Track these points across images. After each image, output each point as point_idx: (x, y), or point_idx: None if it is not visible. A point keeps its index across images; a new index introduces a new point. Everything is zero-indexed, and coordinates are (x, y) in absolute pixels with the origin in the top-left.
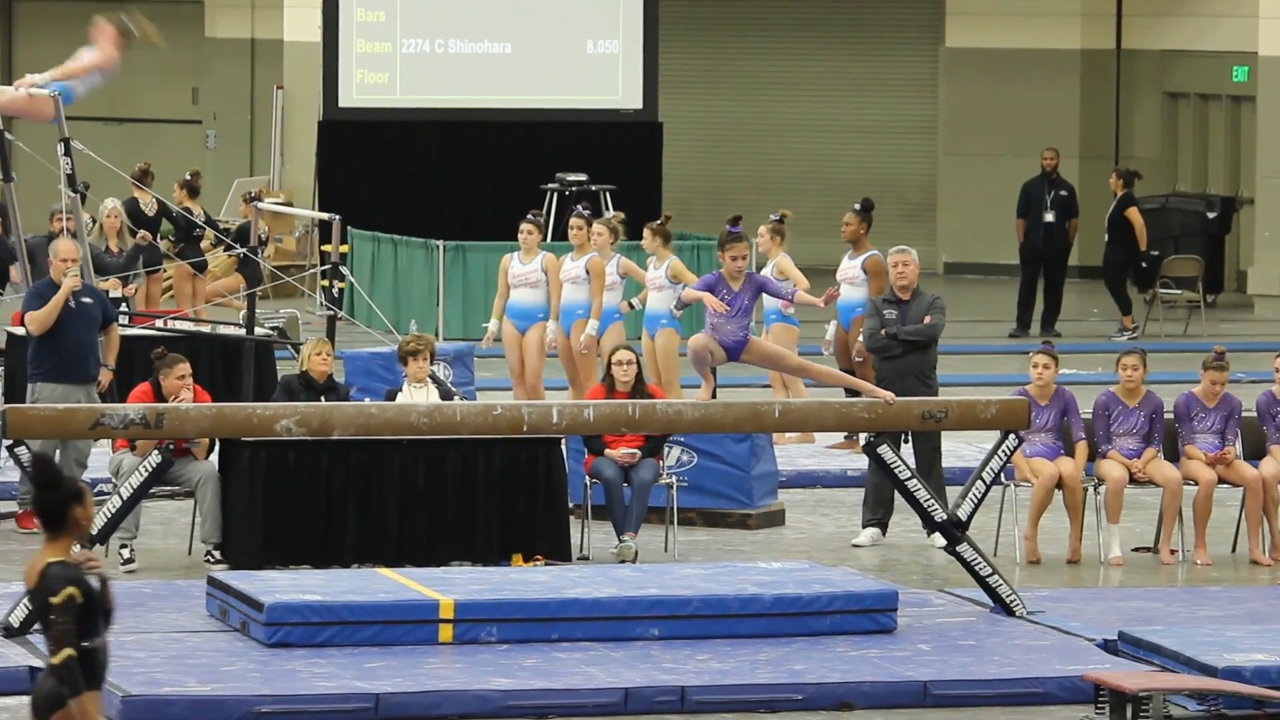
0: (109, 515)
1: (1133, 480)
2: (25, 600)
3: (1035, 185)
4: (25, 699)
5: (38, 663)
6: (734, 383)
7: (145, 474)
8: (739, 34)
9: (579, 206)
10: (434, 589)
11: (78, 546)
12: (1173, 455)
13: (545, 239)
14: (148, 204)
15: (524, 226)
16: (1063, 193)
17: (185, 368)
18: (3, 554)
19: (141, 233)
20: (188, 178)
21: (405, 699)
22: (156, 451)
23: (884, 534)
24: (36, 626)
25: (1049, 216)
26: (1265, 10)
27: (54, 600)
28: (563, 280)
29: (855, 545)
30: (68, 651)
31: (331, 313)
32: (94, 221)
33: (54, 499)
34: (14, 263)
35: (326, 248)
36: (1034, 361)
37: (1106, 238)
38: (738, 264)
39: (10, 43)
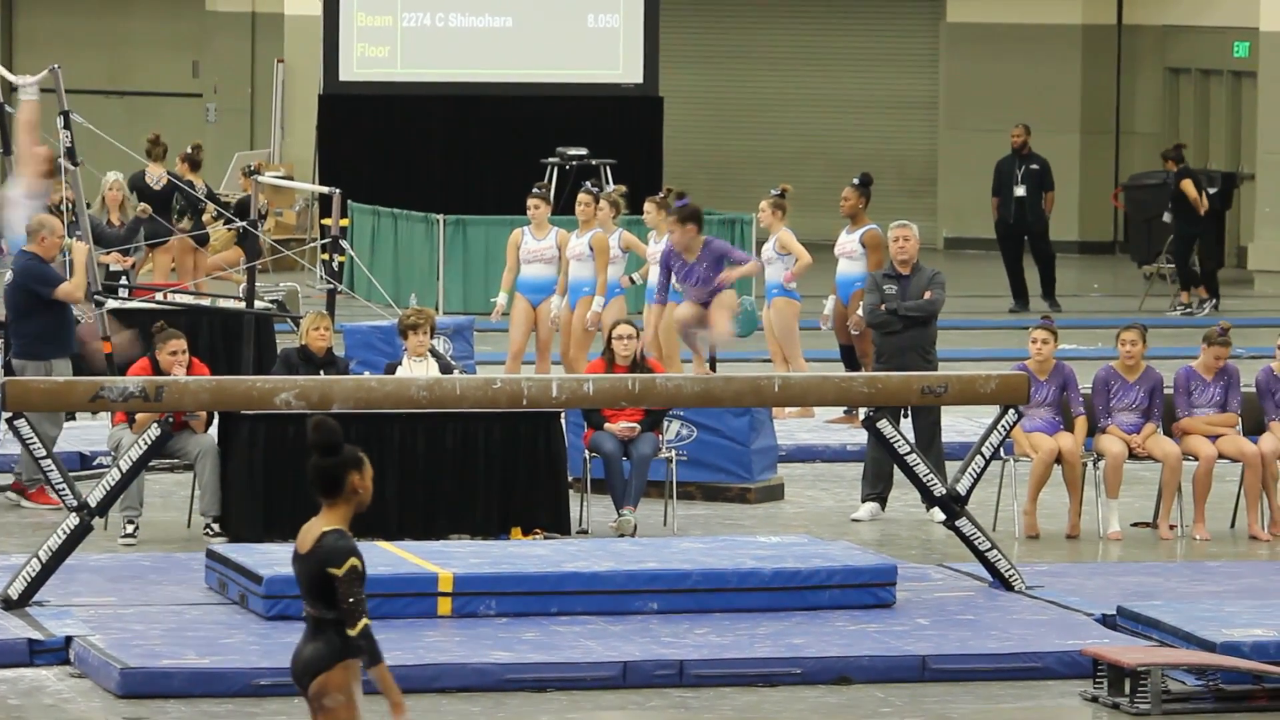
0: (107, 488)
1: (1132, 455)
2: (293, 564)
3: (1006, 162)
4: (23, 671)
5: (37, 635)
6: (734, 358)
7: (144, 447)
8: (740, 8)
9: (587, 183)
10: (433, 562)
11: None
12: (1171, 430)
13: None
14: (157, 178)
15: (531, 201)
16: (1034, 167)
17: (179, 344)
18: (2, 526)
19: (142, 206)
20: (189, 151)
21: (404, 672)
22: (156, 424)
23: (883, 508)
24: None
25: (1020, 191)
26: None
27: (337, 572)
28: (568, 257)
29: (854, 520)
30: (364, 622)
31: (331, 286)
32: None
33: (333, 465)
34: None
35: (326, 221)
36: (1033, 337)
37: (1169, 218)
38: (681, 237)
39: (11, 17)
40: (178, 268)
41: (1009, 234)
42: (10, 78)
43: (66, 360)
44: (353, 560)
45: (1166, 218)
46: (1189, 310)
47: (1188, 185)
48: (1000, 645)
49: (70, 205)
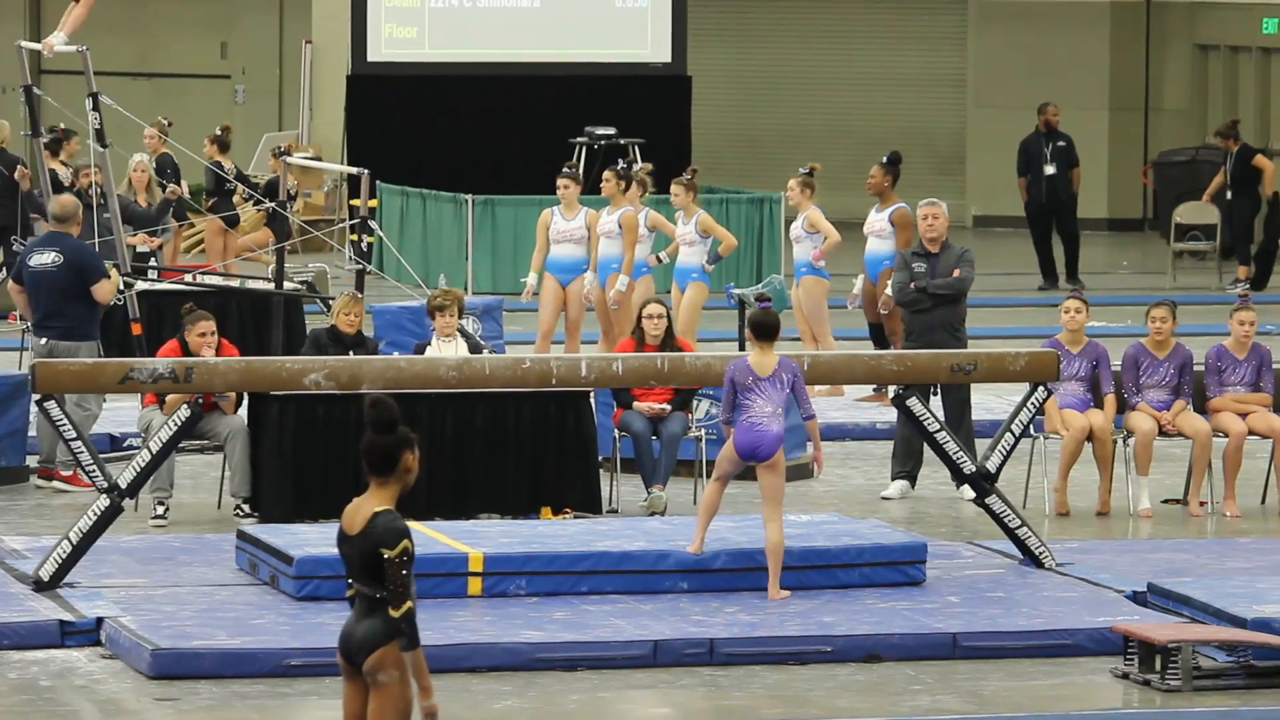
0: (138, 470)
1: (1162, 433)
2: (340, 544)
3: (1032, 141)
4: (54, 653)
5: (68, 617)
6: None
7: (174, 428)
8: None
9: (620, 161)
10: (463, 542)
11: None
12: (1202, 407)
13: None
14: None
15: (561, 181)
16: (1060, 143)
17: (208, 325)
18: (34, 509)
19: (171, 187)
20: (218, 132)
21: (435, 652)
22: (186, 406)
23: (913, 486)
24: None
25: (1050, 169)
26: None
27: (390, 554)
28: (598, 234)
29: (884, 498)
30: (409, 605)
31: (360, 267)
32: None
33: (389, 443)
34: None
35: (355, 202)
36: (1065, 307)
37: (1230, 194)
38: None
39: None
40: (207, 249)
41: (1041, 212)
42: (32, 44)
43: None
44: (405, 542)
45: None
46: (1249, 287)
47: (1263, 160)
48: (1030, 622)
49: (99, 188)
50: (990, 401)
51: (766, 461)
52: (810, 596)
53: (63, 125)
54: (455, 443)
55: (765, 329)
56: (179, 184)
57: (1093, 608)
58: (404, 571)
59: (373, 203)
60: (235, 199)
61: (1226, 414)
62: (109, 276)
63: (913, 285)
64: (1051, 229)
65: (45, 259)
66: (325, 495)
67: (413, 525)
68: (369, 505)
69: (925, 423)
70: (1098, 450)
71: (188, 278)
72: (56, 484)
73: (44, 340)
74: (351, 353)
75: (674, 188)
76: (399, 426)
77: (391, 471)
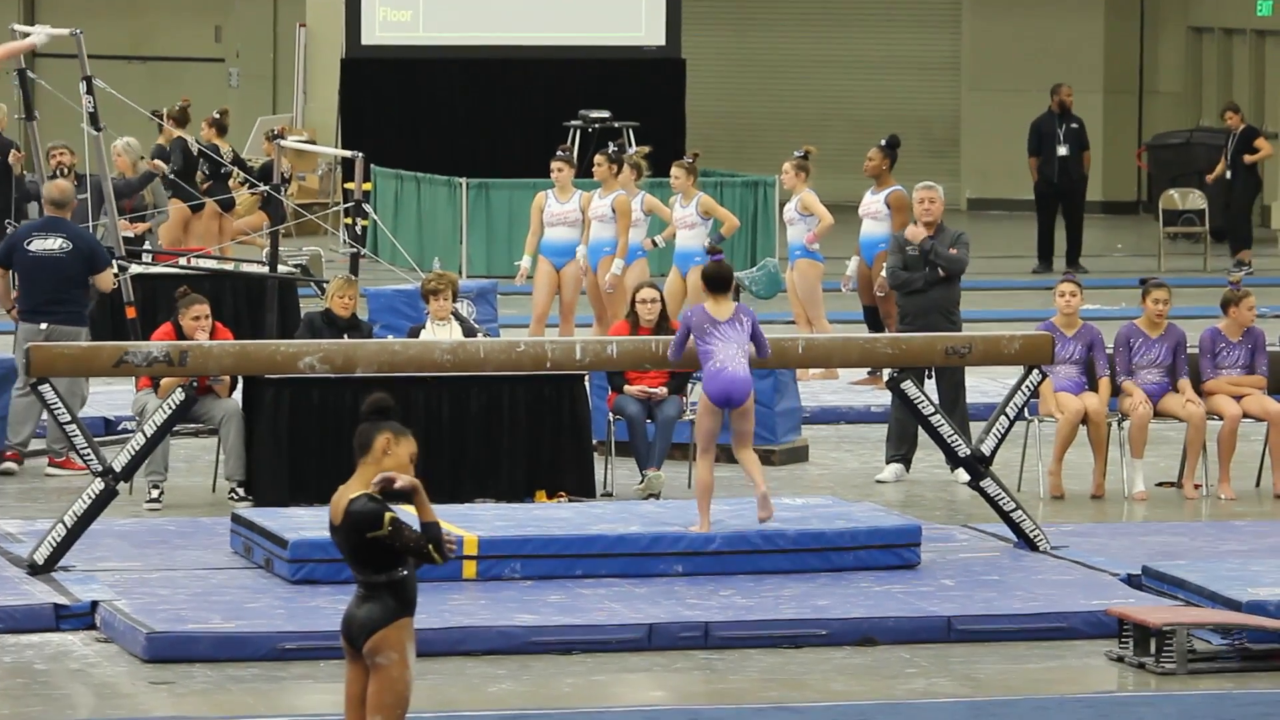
0: (132, 453)
1: (1157, 415)
2: (331, 534)
3: (1046, 121)
4: (49, 636)
5: (63, 600)
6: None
7: (169, 412)
8: None
9: (611, 145)
10: (458, 526)
11: None
12: (1197, 390)
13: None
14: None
15: (555, 165)
16: (1074, 125)
17: (202, 309)
18: (28, 492)
19: (153, 161)
20: (216, 116)
21: (429, 635)
22: (180, 389)
23: (907, 470)
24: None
25: (1063, 151)
26: None
27: (382, 533)
28: (590, 218)
29: (879, 481)
30: (429, 545)
31: (355, 250)
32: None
33: (367, 425)
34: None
35: (349, 185)
36: (1060, 290)
37: (1229, 174)
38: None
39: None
40: (203, 232)
41: (1050, 193)
42: (25, 28)
43: None
44: (386, 515)
45: (1214, 173)
46: (1250, 270)
47: (1263, 142)
48: (1025, 606)
49: (67, 170)
50: (985, 385)
51: (740, 408)
52: (805, 580)
53: None
54: (450, 427)
55: (719, 280)
56: (197, 170)
57: (1087, 591)
58: (407, 533)
59: (367, 186)
60: (230, 182)
61: (1221, 397)
62: (112, 265)
63: (917, 248)
64: (1057, 211)
65: (50, 244)
66: (320, 479)
67: (407, 509)
68: (347, 493)
69: (920, 406)
70: (1092, 433)
71: (182, 261)
72: (50, 470)
73: (43, 325)
74: (346, 336)
75: (675, 170)
76: (389, 415)
77: (367, 453)
